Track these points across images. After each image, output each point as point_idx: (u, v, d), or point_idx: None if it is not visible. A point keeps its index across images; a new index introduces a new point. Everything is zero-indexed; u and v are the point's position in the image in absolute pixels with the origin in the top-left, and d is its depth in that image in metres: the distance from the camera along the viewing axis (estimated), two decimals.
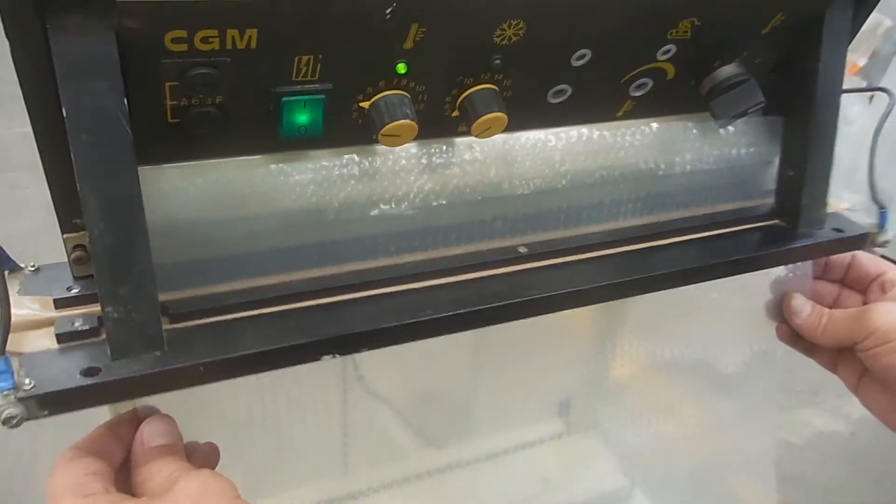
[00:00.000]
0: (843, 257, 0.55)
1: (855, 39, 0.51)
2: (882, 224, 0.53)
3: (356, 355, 0.50)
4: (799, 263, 0.55)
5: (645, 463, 0.74)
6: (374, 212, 0.41)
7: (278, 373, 0.43)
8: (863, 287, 0.55)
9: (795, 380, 1.52)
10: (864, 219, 0.53)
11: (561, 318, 0.60)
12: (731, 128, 0.51)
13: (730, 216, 0.52)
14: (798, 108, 0.49)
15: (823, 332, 0.52)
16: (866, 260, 0.55)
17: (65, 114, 0.30)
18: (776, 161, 0.53)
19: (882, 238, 0.53)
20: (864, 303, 0.54)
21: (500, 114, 0.40)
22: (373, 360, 0.53)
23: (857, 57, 1.81)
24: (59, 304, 0.36)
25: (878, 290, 0.53)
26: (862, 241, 0.53)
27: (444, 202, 0.42)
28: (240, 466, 0.47)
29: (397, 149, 0.41)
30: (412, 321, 0.39)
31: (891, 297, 0.51)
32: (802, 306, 0.54)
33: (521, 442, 0.72)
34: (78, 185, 0.31)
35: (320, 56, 0.35)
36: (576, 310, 0.58)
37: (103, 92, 0.30)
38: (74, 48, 0.29)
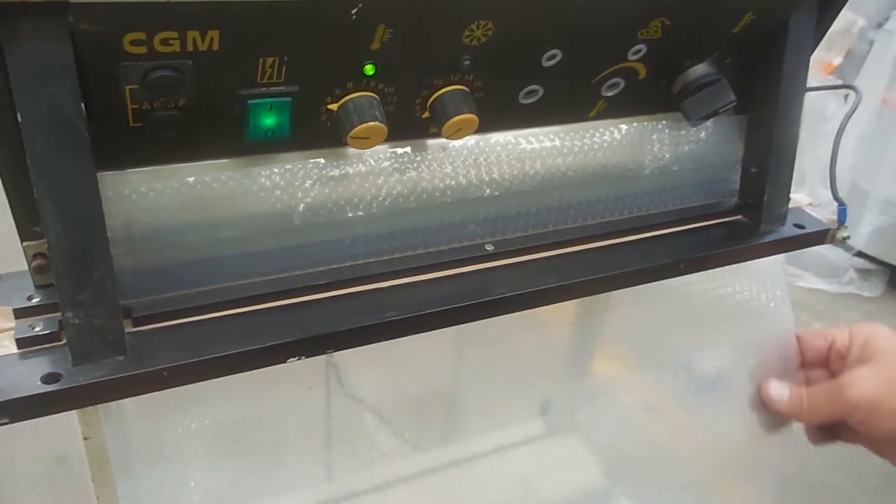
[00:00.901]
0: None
1: (830, 39, 0.51)
2: (842, 220, 0.53)
3: (337, 359, 0.50)
4: (781, 341, 0.55)
5: (626, 464, 0.74)
6: (343, 215, 0.40)
7: (258, 378, 0.42)
8: (823, 361, 0.55)
9: None
10: (826, 214, 0.54)
11: (542, 318, 0.60)
12: (707, 126, 0.51)
13: (695, 212, 0.52)
14: (761, 106, 0.50)
15: (809, 412, 0.52)
16: (811, 338, 0.55)
17: (20, 120, 0.29)
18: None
19: (842, 234, 0.53)
20: (831, 374, 0.54)
21: (470, 115, 0.40)
22: (354, 364, 0.52)
23: (832, 56, 1.84)
24: (19, 313, 0.35)
25: (837, 359, 0.54)
26: (822, 236, 0.53)
27: (413, 204, 0.42)
28: (223, 473, 0.46)
29: (367, 151, 0.41)
30: (378, 322, 0.39)
31: (854, 362, 0.51)
32: (781, 392, 0.53)
33: (501, 444, 0.72)
34: (35, 191, 0.30)
35: (285, 58, 0.34)
36: (557, 311, 0.59)
37: (59, 97, 0.29)
38: (28, 52, 0.28)
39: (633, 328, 0.66)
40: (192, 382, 0.35)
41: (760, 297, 0.63)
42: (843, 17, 0.51)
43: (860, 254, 1.91)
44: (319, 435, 0.56)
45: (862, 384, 0.48)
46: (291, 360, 0.37)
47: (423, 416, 0.63)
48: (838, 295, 1.89)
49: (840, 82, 1.73)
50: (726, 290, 0.60)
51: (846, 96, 1.69)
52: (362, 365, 0.53)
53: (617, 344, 0.70)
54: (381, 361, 0.52)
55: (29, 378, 0.32)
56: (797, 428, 0.59)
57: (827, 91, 1.76)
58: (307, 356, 0.38)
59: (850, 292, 1.90)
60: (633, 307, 0.63)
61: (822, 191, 1.69)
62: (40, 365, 0.33)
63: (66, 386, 0.32)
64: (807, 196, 0.55)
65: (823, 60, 1.82)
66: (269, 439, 0.52)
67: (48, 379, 0.32)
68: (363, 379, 0.55)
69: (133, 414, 0.40)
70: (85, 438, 0.41)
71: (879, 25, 1.86)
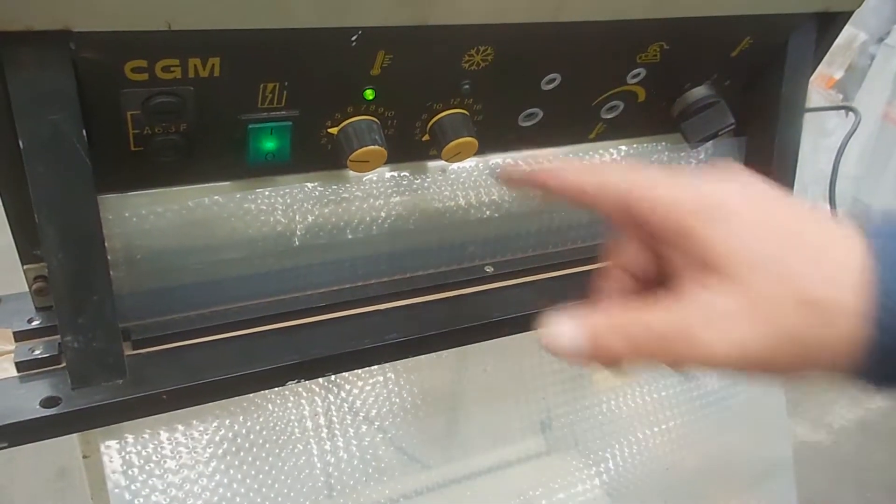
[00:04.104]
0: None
1: (831, 53, 0.51)
2: None
3: (338, 374, 0.50)
4: None
5: (628, 481, 0.74)
6: (343, 237, 0.40)
7: (258, 393, 0.42)
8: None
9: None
10: None
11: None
12: (707, 148, 0.51)
13: None
14: (761, 128, 0.50)
15: (630, 358, 0.28)
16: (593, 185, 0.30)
17: (21, 146, 0.29)
18: None
19: None
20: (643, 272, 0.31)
21: (470, 139, 0.40)
22: (355, 380, 0.52)
23: (833, 70, 1.84)
24: (19, 336, 0.35)
25: (650, 242, 0.30)
26: None
27: (413, 226, 0.42)
28: (220, 488, 0.46)
29: (367, 173, 0.41)
30: (377, 344, 0.39)
31: (694, 266, 0.27)
32: (570, 334, 0.28)
33: (502, 460, 0.72)
34: (36, 216, 0.30)
35: (286, 83, 0.35)
36: None
37: (61, 123, 0.29)
38: (30, 80, 0.28)
39: None
40: (190, 405, 0.35)
41: None
42: (845, 32, 0.51)
43: None
44: (319, 450, 0.56)
45: (726, 332, 0.25)
46: (290, 382, 0.37)
47: (423, 431, 0.62)
48: None
49: (841, 97, 1.73)
50: None
51: (847, 114, 1.69)
52: (363, 379, 0.53)
53: None
54: (382, 376, 0.52)
55: (28, 401, 0.33)
56: (796, 442, 0.59)
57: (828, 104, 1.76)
58: (306, 379, 0.38)
59: None
60: None
61: (824, 204, 1.69)
62: (40, 388, 0.34)
63: (65, 410, 0.32)
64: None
65: (824, 74, 1.82)
66: (267, 454, 0.52)
67: (47, 403, 0.33)
68: (364, 393, 0.55)
69: (131, 427, 0.40)
70: (85, 457, 0.42)
71: (881, 40, 1.86)
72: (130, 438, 0.40)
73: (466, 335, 0.41)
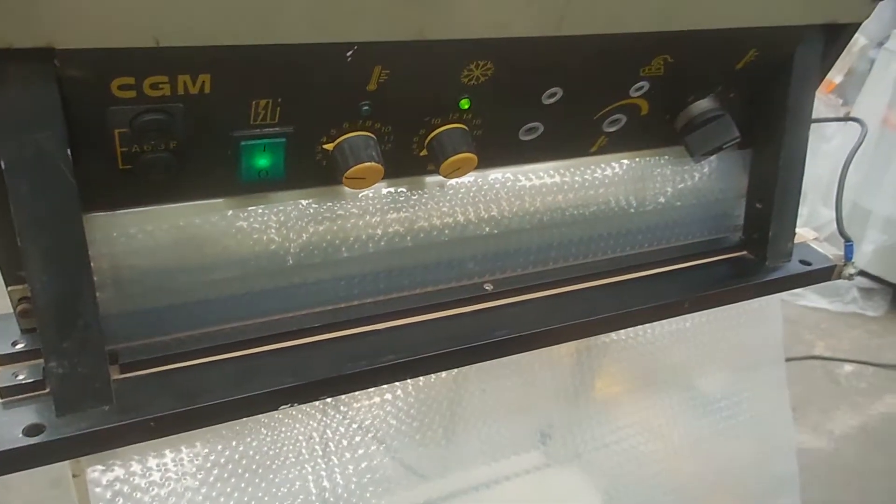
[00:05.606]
0: None
1: None
2: (849, 256, 0.52)
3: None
4: None
5: (627, 493, 0.73)
6: (338, 255, 0.39)
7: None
8: None
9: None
10: (832, 250, 0.53)
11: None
12: (710, 161, 0.50)
13: (698, 248, 0.51)
14: (766, 140, 0.49)
15: None
16: None
17: (3, 165, 0.28)
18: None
19: (848, 271, 0.52)
20: None
21: (469, 154, 0.39)
22: (349, 400, 0.51)
23: (832, 74, 1.83)
24: (2, 360, 0.34)
25: None
26: (829, 273, 0.52)
27: (410, 244, 0.41)
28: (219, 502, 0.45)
29: (363, 191, 0.40)
30: (374, 367, 0.38)
31: None
32: None
33: (501, 474, 0.71)
34: (18, 238, 0.29)
35: (279, 99, 0.34)
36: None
37: (44, 142, 0.28)
38: (13, 98, 0.27)
39: (635, 353, 0.65)
40: (180, 432, 0.34)
41: (754, 321, 0.63)
42: None
43: (863, 273, 1.90)
44: (314, 472, 0.55)
45: None
46: (283, 407, 0.36)
47: (422, 444, 0.62)
48: (841, 314, 1.88)
49: (841, 102, 1.73)
50: (729, 313, 0.60)
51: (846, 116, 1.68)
52: (358, 400, 0.52)
53: (618, 372, 0.69)
54: (381, 388, 0.51)
55: (11, 430, 0.31)
56: (797, 449, 0.58)
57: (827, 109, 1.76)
58: (300, 403, 0.37)
59: (852, 311, 1.89)
60: (634, 339, 0.62)
61: (823, 209, 1.68)
62: (23, 415, 0.32)
63: (49, 438, 0.31)
64: (812, 230, 0.54)
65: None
66: (260, 479, 0.51)
67: (31, 431, 0.31)
68: (362, 408, 0.54)
69: (118, 452, 0.39)
70: (74, 476, 0.40)
71: (880, 44, 1.85)
72: (118, 463, 0.39)
73: (466, 356, 0.40)
